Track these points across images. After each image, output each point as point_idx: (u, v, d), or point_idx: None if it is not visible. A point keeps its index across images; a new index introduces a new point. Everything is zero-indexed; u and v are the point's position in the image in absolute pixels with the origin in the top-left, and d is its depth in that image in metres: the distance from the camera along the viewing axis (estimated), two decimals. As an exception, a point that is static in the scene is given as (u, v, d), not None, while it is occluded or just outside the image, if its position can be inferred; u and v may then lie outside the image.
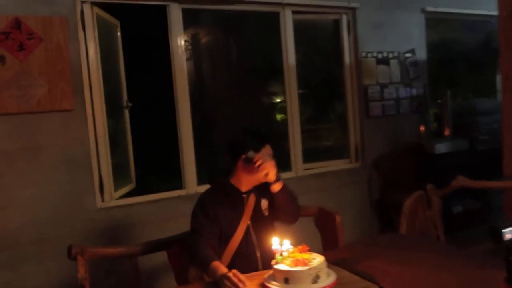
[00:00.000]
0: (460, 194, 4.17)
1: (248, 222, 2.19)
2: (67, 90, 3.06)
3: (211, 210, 2.16)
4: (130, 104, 3.85)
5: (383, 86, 4.50)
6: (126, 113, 3.89)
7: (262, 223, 2.22)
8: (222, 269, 1.92)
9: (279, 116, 5.36)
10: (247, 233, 2.18)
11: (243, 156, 2.13)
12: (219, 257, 2.11)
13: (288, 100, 4.09)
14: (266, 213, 2.24)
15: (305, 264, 1.75)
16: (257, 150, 2.14)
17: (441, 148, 4.40)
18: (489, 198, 4.55)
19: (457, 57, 5.65)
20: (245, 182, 2.22)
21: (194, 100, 3.70)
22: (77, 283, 2.04)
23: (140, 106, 4.36)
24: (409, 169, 4.42)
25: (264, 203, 2.26)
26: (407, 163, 4.46)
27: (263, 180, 2.19)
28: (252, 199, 2.22)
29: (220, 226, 2.16)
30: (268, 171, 2.11)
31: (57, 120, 3.07)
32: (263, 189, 2.30)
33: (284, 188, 2.19)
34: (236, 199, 2.21)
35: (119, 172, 3.67)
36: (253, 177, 2.18)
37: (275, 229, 2.27)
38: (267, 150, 2.19)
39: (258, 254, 2.18)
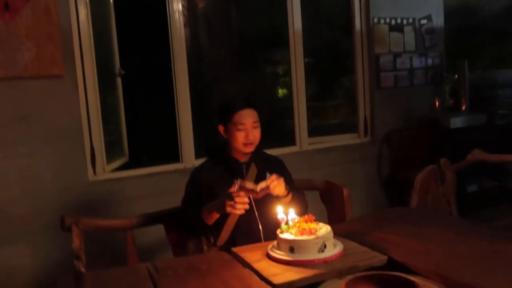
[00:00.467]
0: (475, 172, 4.25)
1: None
2: (57, 55, 3.09)
3: (204, 185, 2.23)
4: (123, 72, 3.89)
5: (396, 55, 4.52)
6: (119, 81, 3.94)
7: (265, 196, 2.28)
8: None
9: (281, 92, 5.40)
10: (249, 206, 2.23)
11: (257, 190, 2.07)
12: (218, 233, 2.19)
13: (294, 68, 4.13)
14: None
15: (312, 233, 1.82)
16: (237, 110, 2.17)
17: (457, 122, 4.45)
18: (506, 177, 4.63)
19: (477, 25, 5.65)
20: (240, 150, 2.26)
21: (191, 71, 3.74)
22: (72, 254, 2.11)
23: (134, 76, 4.40)
24: (422, 144, 4.49)
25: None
26: (420, 138, 4.51)
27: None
28: (253, 169, 2.27)
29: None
30: (278, 191, 2.11)
31: (46, 87, 3.12)
32: (268, 161, 2.35)
33: (293, 196, 2.22)
34: (233, 169, 2.25)
35: (112, 144, 3.73)
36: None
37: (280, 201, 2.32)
38: (251, 114, 2.20)
39: (260, 229, 2.23)
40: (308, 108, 4.25)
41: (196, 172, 2.32)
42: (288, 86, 4.39)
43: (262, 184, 2.06)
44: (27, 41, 3.02)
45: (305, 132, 4.20)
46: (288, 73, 4.30)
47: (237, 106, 2.19)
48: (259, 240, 2.19)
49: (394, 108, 4.51)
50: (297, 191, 2.34)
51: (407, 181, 3.18)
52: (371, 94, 4.47)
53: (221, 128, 2.26)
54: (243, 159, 2.27)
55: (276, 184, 2.07)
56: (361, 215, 2.69)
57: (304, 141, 4.21)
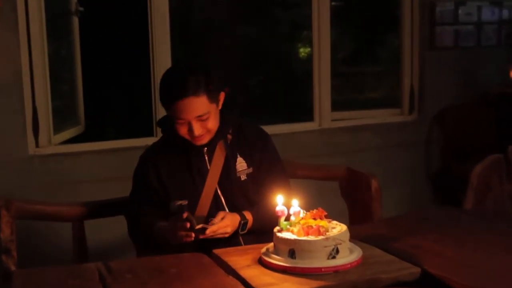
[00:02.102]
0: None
1: (216, 186, 2.28)
2: (-10, -21, 3.13)
3: (152, 172, 2.28)
4: (81, 9, 3.91)
5: (459, 3, 4.52)
6: (75, 22, 3.96)
7: (238, 188, 2.30)
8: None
9: (303, 51, 5.39)
10: (216, 202, 2.28)
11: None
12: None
13: (315, 15, 4.16)
14: (244, 178, 2.31)
15: (320, 233, 1.86)
16: (174, 102, 2.14)
17: (538, 98, 4.46)
18: None
19: None
20: None
21: (175, 15, 3.79)
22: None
23: (97, 18, 4.43)
24: (489, 127, 4.50)
25: (242, 164, 2.32)
26: (486, 118, 4.53)
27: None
28: (219, 154, 2.29)
29: (174, 194, 2.24)
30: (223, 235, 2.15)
31: (-26, 24, 3.16)
32: (244, 137, 2.36)
33: (256, 221, 2.25)
34: (192, 154, 2.28)
35: (62, 109, 3.79)
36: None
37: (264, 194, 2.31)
38: (194, 106, 2.14)
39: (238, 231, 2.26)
40: (338, 75, 4.26)
41: (143, 159, 2.38)
42: (310, 43, 4.39)
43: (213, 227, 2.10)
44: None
45: (327, 103, 4.24)
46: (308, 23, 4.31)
47: (174, 96, 2.15)
48: (238, 243, 2.24)
49: (452, 76, 4.52)
50: (281, 183, 2.33)
51: (464, 176, 3.21)
52: (421, 56, 4.48)
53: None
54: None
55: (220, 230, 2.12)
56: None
57: (325, 115, 4.24)
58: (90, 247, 2.55)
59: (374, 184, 2.65)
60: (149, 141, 3.65)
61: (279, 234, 1.90)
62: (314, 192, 2.77)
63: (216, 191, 2.28)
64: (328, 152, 4.03)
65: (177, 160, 2.29)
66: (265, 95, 5.16)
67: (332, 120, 4.28)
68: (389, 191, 3.49)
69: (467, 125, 4.52)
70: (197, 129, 2.16)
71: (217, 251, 2.03)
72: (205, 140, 2.23)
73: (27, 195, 3.15)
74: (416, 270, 1.83)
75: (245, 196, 2.29)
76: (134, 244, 2.51)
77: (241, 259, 1.94)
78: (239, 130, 2.36)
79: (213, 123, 2.21)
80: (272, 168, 2.36)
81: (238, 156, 2.32)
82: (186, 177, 2.27)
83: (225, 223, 2.12)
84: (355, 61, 5.32)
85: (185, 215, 2.05)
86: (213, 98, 2.19)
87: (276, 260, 1.86)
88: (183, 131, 2.19)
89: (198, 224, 2.07)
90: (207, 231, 2.07)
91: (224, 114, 2.30)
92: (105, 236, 3.22)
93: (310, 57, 4.39)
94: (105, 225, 2.71)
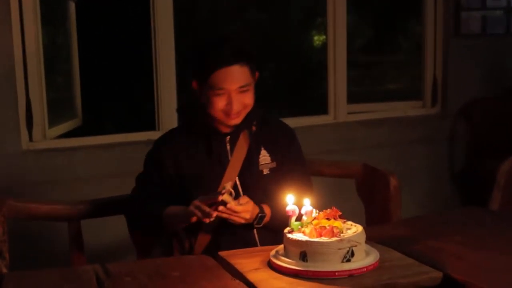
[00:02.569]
0: None
1: (236, 179, 2.29)
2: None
3: (170, 162, 2.28)
4: (77, -6, 3.94)
5: (487, -14, 4.52)
6: (72, 7, 3.98)
7: (259, 183, 2.32)
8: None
9: (317, 39, 5.39)
10: (235, 196, 2.24)
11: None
12: (192, 232, 2.26)
13: (331, 0, 4.15)
14: (266, 172, 2.33)
15: (334, 234, 1.86)
16: (216, 69, 2.16)
17: None
18: None
19: None
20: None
21: (180, 6, 3.82)
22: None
23: (94, 4, 4.43)
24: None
25: (265, 157, 2.33)
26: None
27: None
28: (242, 143, 2.30)
29: (188, 187, 2.27)
30: (240, 220, 2.15)
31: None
32: (264, 133, 2.36)
33: (274, 215, 2.25)
34: (213, 143, 2.29)
35: (58, 101, 3.81)
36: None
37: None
38: (238, 74, 2.18)
39: (255, 232, 2.29)
40: (355, 64, 4.25)
41: (159, 143, 2.38)
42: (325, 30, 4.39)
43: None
44: None
45: (342, 95, 4.24)
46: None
47: (217, 63, 2.16)
48: (253, 243, 2.27)
49: (480, 66, 4.50)
50: (304, 182, 2.36)
51: (489, 174, 3.21)
52: (445, 44, 4.46)
53: (194, 84, 2.27)
54: (227, 129, 2.29)
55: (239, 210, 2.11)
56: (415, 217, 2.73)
57: (340, 108, 4.24)
58: (87, 249, 2.56)
59: (392, 182, 2.65)
60: (151, 135, 3.71)
61: (289, 235, 1.91)
62: (328, 190, 2.79)
63: (235, 184, 2.28)
64: (343, 148, 4.03)
65: (197, 148, 2.29)
66: (276, 86, 5.16)
67: (348, 113, 4.28)
68: (409, 190, 3.49)
69: (494, 119, 4.49)
70: (236, 103, 2.18)
71: (223, 253, 2.04)
72: (239, 119, 2.24)
73: (20, 193, 3.20)
74: (438, 274, 1.83)
75: (265, 191, 2.29)
76: (131, 237, 2.53)
77: (248, 262, 1.95)
78: (263, 123, 2.37)
79: (251, 98, 2.24)
80: (295, 166, 2.38)
81: (262, 149, 2.33)
82: (205, 166, 2.28)
83: (247, 208, 2.13)
84: (374, 50, 5.31)
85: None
86: (253, 70, 2.24)
87: (286, 263, 1.87)
88: (220, 105, 2.19)
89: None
90: (229, 205, 2.06)
91: None
92: (103, 236, 3.24)
93: (324, 45, 4.38)
94: (103, 225, 2.73)
